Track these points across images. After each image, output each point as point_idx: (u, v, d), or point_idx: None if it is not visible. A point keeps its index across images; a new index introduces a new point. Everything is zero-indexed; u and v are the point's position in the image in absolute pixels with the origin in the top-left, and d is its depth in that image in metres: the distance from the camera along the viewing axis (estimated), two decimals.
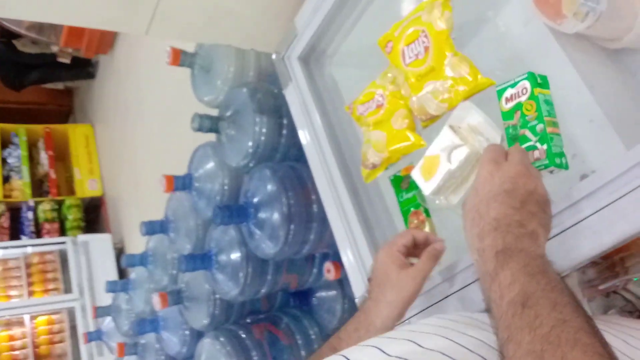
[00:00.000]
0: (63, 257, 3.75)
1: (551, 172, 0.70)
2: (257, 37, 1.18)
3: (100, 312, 2.35)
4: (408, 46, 0.81)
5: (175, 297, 1.61)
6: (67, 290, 3.64)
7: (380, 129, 0.88)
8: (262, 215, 1.29)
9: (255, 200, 1.31)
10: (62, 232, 4.06)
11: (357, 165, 0.97)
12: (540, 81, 0.70)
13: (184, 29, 1.07)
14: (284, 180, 1.30)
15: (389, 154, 0.87)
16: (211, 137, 1.48)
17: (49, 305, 3.60)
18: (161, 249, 1.86)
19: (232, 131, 1.38)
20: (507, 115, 0.72)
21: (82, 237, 3.76)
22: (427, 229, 0.88)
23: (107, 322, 2.43)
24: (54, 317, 3.69)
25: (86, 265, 3.64)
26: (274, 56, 1.20)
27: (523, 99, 0.70)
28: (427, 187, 0.75)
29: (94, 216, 4.29)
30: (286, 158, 1.39)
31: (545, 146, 0.67)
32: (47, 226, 3.99)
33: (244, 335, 1.52)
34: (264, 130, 1.34)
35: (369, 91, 0.91)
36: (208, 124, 1.35)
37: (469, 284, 0.77)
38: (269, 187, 1.30)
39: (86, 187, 4.19)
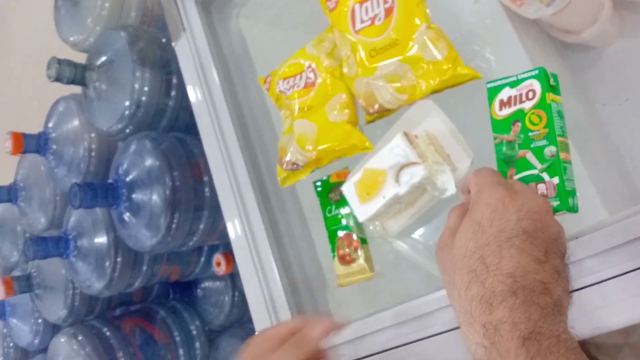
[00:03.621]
0: None
1: None
2: None
3: None
4: (362, 4, 0.56)
5: (23, 283, 1.31)
6: None
7: (308, 118, 0.63)
8: (137, 198, 1.02)
9: (130, 178, 1.03)
10: None
11: (268, 156, 0.73)
12: (553, 83, 0.49)
13: None
14: (169, 155, 1.03)
15: (319, 155, 0.63)
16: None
17: None
18: (10, 218, 1.52)
19: (104, 85, 1.07)
20: (500, 125, 0.50)
21: None
22: (360, 260, 0.66)
23: None
24: None
25: None
26: None
27: (528, 105, 0.48)
28: (362, 211, 0.54)
29: None
30: (174, 127, 1.11)
31: (556, 179, 0.47)
32: None
33: (108, 333, 1.26)
34: (145, 88, 1.05)
35: (295, 62, 0.65)
36: (70, 72, 1.03)
37: None
38: (149, 162, 1.02)
39: None
